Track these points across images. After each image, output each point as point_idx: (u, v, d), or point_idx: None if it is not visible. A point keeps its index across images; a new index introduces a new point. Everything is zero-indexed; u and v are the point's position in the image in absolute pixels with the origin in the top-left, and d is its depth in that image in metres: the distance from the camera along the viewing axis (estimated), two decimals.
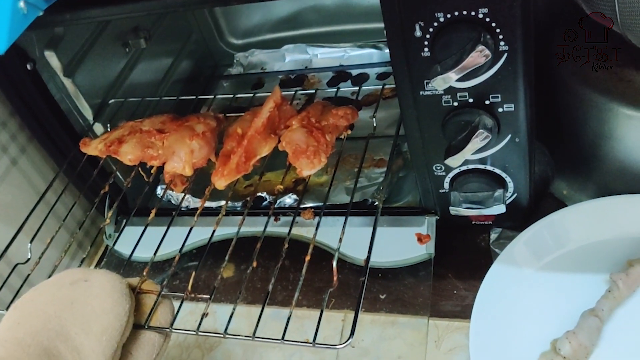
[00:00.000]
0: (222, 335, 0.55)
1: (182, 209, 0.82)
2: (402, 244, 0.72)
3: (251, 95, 0.81)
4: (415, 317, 0.70)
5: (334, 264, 0.55)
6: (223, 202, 0.67)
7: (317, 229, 0.60)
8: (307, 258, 0.57)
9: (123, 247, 0.80)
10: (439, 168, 0.64)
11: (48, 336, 0.49)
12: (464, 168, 0.63)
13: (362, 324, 0.71)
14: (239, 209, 0.81)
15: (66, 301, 0.52)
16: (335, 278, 0.54)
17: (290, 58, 1.01)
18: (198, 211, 0.65)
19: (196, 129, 0.67)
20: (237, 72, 1.04)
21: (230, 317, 0.56)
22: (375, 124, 0.70)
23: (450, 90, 0.55)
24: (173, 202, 0.84)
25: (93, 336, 0.50)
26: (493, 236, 0.73)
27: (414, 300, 0.72)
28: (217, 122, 0.70)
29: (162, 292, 0.57)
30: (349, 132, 0.70)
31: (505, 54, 0.51)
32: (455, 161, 0.59)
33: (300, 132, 0.64)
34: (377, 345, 0.69)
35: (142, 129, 0.69)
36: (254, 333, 0.54)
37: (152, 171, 0.70)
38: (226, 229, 0.73)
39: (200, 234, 0.69)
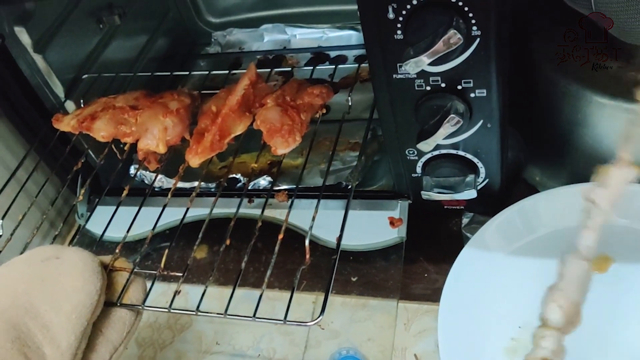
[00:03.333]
0: (194, 313, 0.55)
1: (156, 189, 0.81)
2: (375, 227, 0.73)
3: (226, 72, 0.81)
4: (386, 299, 0.71)
5: (307, 242, 0.56)
6: (197, 183, 0.67)
7: (289, 209, 0.60)
8: (280, 236, 0.58)
9: (95, 226, 0.79)
10: (411, 152, 0.65)
11: (17, 313, 0.49)
12: (436, 153, 0.64)
13: (333, 306, 0.72)
14: (212, 190, 0.81)
15: (37, 278, 0.51)
16: (307, 256, 0.55)
17: (269, 38, 1.00)
18: (171, 189, 0.65)
19: (170, 106, 0.67)
20: (215, 51, 1.03)
21: (203, 294, 0.56)
22: (350, 104, 0.70)
23: (423, 74, 0.55)
24: (146, 182, 0.83)
25: (63, 314, 0.49)
26: (465, 221, 0.73)
27: (385, 283, 0.72)
28: (191, 100, 0.69)
29: (135, 270, 0.57)
30: (324, 111, 0.69)
31: (478, 39, 0.51)
32: (426, 146, 0.60)
33: (275, 111, 0.63)
34: (347, 328, 0.70)
35: (116, 105, 0.68)
36: (226, 310, 0.54)
37: (125, 148, 0.69)
38: (200, 210, 0.73)
39: (174, 214, 0.69)
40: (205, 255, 0.82)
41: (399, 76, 0.56)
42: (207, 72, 0.82)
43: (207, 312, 0.56)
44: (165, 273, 0.60)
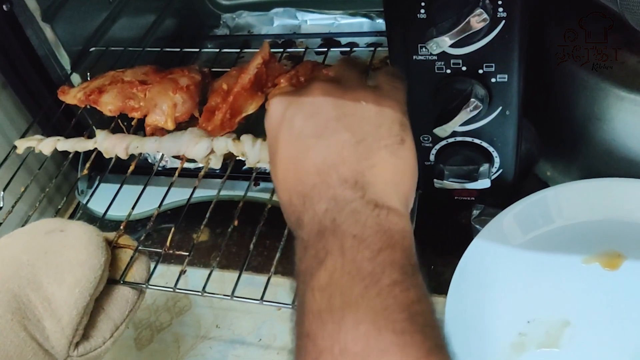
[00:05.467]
0: (200, 294, 0.54)
1: (159, 169, 0.80)
2: None
3: (238, 51, 0.79)
4: None
5: None
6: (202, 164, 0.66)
7: None
8: None
9: (96, 204, 0.78)
10: (426, 139, 0.63)
11: (19, 284, 0.47)
12: (451, 140, 0.63)
13: None
14: (217, 171, 0.79)
15: (40, 250, 0.50)
16: None
17: (279, 22, 0.98)
18: (179, 168, 0.64)
19: (180, 82, 0.65)
20: (223, 33, 1.01)
21: (209, 275, 0.55)
22: None
23: (444, 57, 0.54)
24: (149, 161, 0.82)
25: (65, 287, 0.48)
26: (475, 213, 0.72)
27: None
28: (202, 77, 0.68)
29: (139, 248, 0.56)
30: None
31: (503, 21, 0.50)
32: (443, 131, 0.58)
33: None
34: None
35: (124, 79, 0.67)
36: (233, 292, 0.53)
37: (132, 123, 0.68)
38: (202, 192, 0.71)
39: (176, 195, 0.68)
40: (206, 238, 0.80)
41: (419, 58, 0.55)
42: (217, 50, 0.81)
43: (214, 293, 0.55)
44: (171, 252, 0.59)
